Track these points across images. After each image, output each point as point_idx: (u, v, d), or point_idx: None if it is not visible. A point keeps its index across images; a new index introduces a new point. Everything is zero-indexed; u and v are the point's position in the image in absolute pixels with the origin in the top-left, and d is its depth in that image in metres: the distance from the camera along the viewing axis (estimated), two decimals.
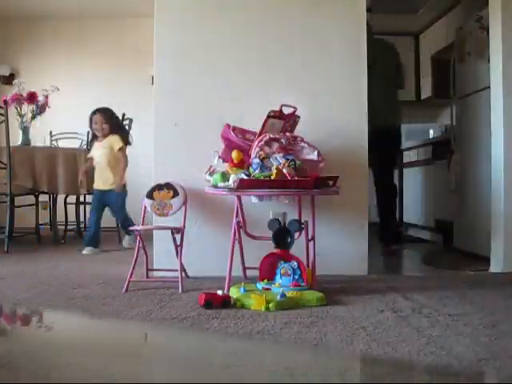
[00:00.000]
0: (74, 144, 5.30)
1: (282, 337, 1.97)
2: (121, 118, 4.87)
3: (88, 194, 4.87)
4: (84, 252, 4.14)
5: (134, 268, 2.84)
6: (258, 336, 1.98)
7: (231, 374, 0.59)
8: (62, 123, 5.69)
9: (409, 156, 5.74)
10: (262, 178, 2.62)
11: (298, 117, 3.04)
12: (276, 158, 2.67)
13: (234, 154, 2.73)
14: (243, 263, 3.09)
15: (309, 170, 2.76)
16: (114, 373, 0.58)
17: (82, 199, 5.23)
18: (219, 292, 2.47)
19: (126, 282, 2.80)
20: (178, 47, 3.31)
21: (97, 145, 4.35)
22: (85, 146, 5.40)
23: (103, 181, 4.27)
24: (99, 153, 4.27)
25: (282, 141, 2.79)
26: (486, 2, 3.70)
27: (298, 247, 2.81)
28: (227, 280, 2.71)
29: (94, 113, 4.31)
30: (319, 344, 1.88)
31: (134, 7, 5.79)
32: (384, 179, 4.33)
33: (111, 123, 4.30)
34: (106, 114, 4.30)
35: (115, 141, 4.25)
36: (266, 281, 2.67)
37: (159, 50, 3.31)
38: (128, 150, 5.09)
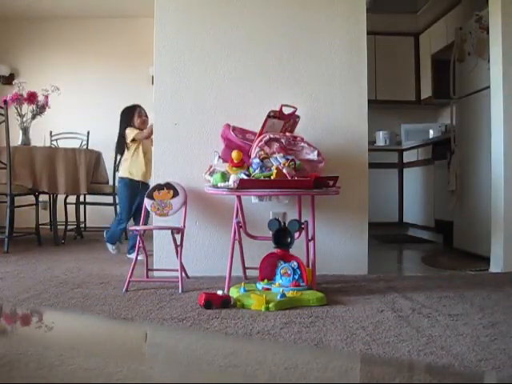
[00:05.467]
0: (74, 144, 5.30)
1: (281, 337, 1.97)
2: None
3: (88, 194, 4.87)
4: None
5: (133, 268, 2.85)
6: (258, 336, 1.98)
7: (231, 374, 0.59)
8: (62, 123, 5.69)
9: (409, 156, 5.74)
10: (262, 177, 2.62)
11: (298, 117, 3.04)
12: (276, 158, 2.67)
13: (234, 154, 2.73)
14: (243, 263, 3.09)
15: (309, 170, 2.76)
16: (114, 373, 0.58)
17: (82, 199, 5.23)
18: (219, 292, 2.47)
19: (126, 282, 2.80)
20: (178, 47, 3.31)
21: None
22: (85, 146, 5.41)
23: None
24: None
25: (282, 141, 2.79)
26: (485, 2, 3.71)
27: (298, 247, 2.82)
28: (227, 280, 2.71)
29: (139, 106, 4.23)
30: (319, 344, 1.88)
31: (133, 7, 5.79)
32: None
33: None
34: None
35: None
36: (266, 281, 2.68)
37: (159, 50, 3.31)
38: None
